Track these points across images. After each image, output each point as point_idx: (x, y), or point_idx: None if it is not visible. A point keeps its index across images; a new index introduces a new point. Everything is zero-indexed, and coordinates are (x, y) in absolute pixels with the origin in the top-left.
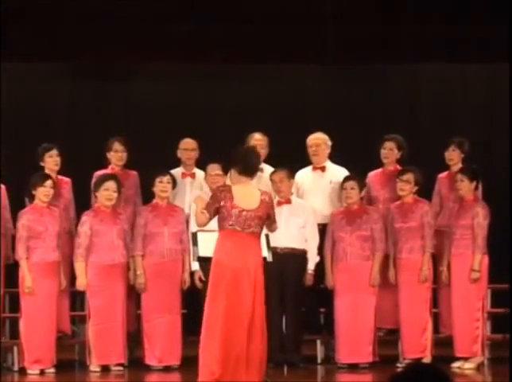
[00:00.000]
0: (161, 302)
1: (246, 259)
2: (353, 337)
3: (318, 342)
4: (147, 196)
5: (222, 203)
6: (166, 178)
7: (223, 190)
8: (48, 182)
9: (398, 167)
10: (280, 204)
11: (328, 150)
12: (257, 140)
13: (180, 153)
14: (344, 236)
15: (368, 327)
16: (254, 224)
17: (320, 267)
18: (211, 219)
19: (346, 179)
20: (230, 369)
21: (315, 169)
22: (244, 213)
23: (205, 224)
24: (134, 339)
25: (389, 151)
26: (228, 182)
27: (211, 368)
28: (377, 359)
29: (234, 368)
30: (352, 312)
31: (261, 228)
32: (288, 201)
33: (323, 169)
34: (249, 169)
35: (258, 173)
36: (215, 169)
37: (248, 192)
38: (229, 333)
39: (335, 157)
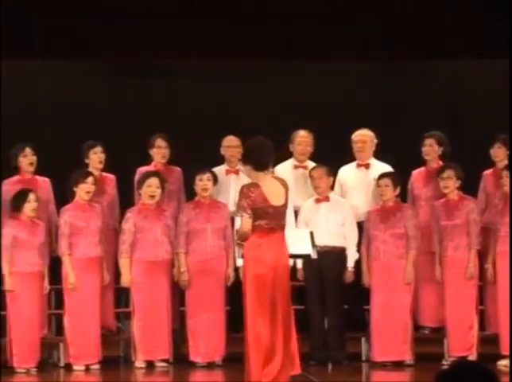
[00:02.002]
0: (205, 299)
1: (279, 255)
2: (387, 335)
3: (362, 340)
4: (191, 193)
5: (256, 204)
6: (206, 176)
7: (254, 190)
8: (90, 179)
9: (441, 164)
10: (318, 201)
11: (373, 148)
12: (302, 137)
13: (223, 151)
14: (378, 234)
15: (403, 325)
16: (283, 216)
17: (360, 264)
18: (250, 218)
19: (380, 176)
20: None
21: (359, 166)
22: (277, 210)
23: (250, 227)
24: (179, 336)
25: (430, 148)
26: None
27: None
28: (413, 358)
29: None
30: (387, 310)
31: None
32: (327, 199)
33: (367, 166)
34: (263, 164)
35: (300, 171)
36: None
37: (275, 188)
38: (270, 332)
39: (379, 155)
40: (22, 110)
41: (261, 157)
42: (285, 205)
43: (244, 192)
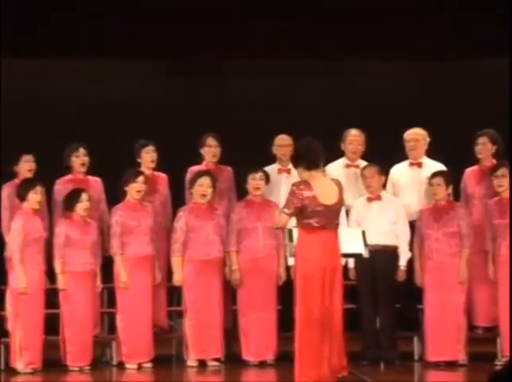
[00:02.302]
0: (257, 298)
1: (333, 254)
2: (441, 334)
3: (415, 339)
4: (242, 193)
5: (306, 202)
6: (259, 175)
7: (304, 188)
8: (140, 178)
9: (495, 162)
10: (370, 200)
11: (426, 146)
12: (354, 136)
13: (275, 150)
14: (431, 233)
15: (456, 325)
16: (336, 215)
17: (412, 263)
18: (291, 218)
19: (433, 175)
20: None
21: (411, 164)
22: (329, 208)
23: (286, 225)
24: (231, 334)
25: (483, 146)
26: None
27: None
28: (466, 358)
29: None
30: (440, 310)
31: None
32: (379, 198)
33: (419, 165)
34: (314, 163)
35: (352, 169)
36: None
37: (327, 186)
38: (320, 331)
39: (431, 154)
40: (74, 109)
41: (310, 157)
42: (338, 204)
43: (292, 189)
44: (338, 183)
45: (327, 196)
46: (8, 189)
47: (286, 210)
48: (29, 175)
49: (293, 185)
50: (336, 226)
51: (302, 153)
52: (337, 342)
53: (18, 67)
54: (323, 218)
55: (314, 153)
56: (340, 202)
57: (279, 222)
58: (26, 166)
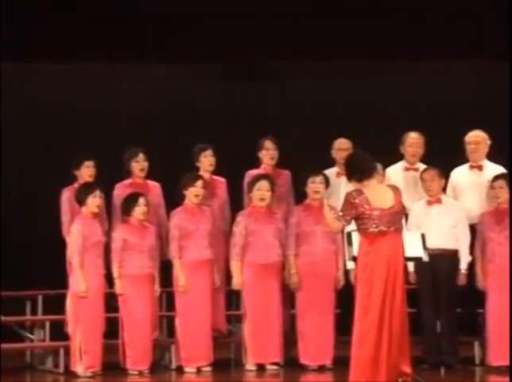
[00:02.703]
0: (315, 302)
1: (395, 258)
2: (504, 339)
3: (476, 344)
4: (300, 196)
5: (360, 209)
6: (319, 178)
7: (356, 196)
8: (199, 182)
9: None
10: (430, 203)
11: (487, 149)
12: (414, 139)
13: (334, 153)
14: (493, 236)
15: None
16: (396, 220)
17: (473, 267)
18: (347, 225)
19: (495, 178)
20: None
21: (472, 167)
22: (385, 212)
23: (340, 230)
24: (289, 338)
25: None
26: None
27: (362, 369)
28: None
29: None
30: (503, 314)
31: (402, 223)
32: (439, 201)
33: (480, 167)
34: (364, 175)
35: (411, 173)
36: None
37: (380, 192)
38: (379, 336)
39: (492, 156)
40: (136, 113)
41: (360, 170)
42: (395, 207)
43: (347, 199)
44: (394, 188)
45: (382, 200)
46: (68, 193)
47: (342, 217)
48: (90, 180)
49: (347, 194)
50: (398, 229)
51: (351, 168)
52: (399, 347)
53: (81, 70)
54: (380, 222)
55: (363, 166)
56: (398, 205)
57: (333, 227)
58: (87, 172)
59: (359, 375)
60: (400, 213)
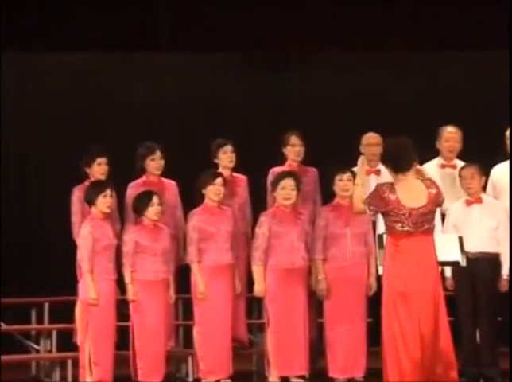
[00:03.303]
0: (345, 310)
1: (424, 263)
2: None
3: None
4: (327, 196)
5: (388, 205)
6: (347, 176)
7: (386, 190)
8: (218, 180)
9: None
10: (469, 203)
11: None
12: (451, 133)
13: (363, 149)
14: None
15: None
16: (426, 220)
17: None
18: (369, 214)
19: None
20: None
21: None
22: (414, 212)
23: (361, 213)
24: (316, 349)
25: None
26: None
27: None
28: None
29: None
30: None
31: (434, 223)
32: (479, 200)
33: None
34: (401, 166)
35: (448, 170)
36: None
37: (412, 188)
38: (407, 346)
39: None
40: (148, 107)
41: (399, 160)
42: (428, 206)
43: (376, 190)
44: (429, 184)
45: (413, 199)
46: (78, 192)
47: (367, 204)
48: (102, 178)
49: (378, 185)
50: (428, 230)
51: (391, 154)
52: (447, 365)
53: (89, 60)
54: (407, 222)
55: (402, 156)
56: (431, 204)
57: (356, 208)
58: (100, 169)
59: None
60: (432, 213)
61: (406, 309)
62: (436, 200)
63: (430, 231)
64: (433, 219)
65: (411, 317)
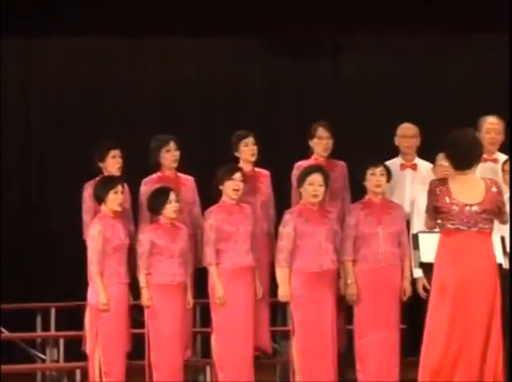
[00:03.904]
0: (377, 316)
1: (474, 263)
2: None
3: None
4: (358, 192)
5: (440, 201)
6: (379, 170)
7: (439, 184)
8: (237, 175)
9: None
10: None
11: None
12: (492, 124)
13: (398, 141)
14: None
15: None
16: (481, 219)
17: None
18: (435, 220)
19: None
20: None
21: None
22: (467, 209)
23: (433, 227)
24: (345, 359)
25: None
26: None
27: None
28: None
29: None
30: None
31: (492, 225)
32: None
33: None
34: (462, 164)
35: (489, 164)
36: None
37: (469, 184)
38: (456, 355)
39: None
40: (164, 96)
41: (465, 156)
42: (484, 204)
43: (430, 188)
44: (489, 183)
45: (468, 195)
46: (90, 188)
47: (426, 213)
48: (117, 172)
49: (431, 182)
50: (483, 231)
51: (455, 147)
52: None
53: (100, 45)
54: (458, 220)
55: (468, 152)
56: (488, 203)
57: (425, 224)
58: (114, 163)
59: None
60: (489, 213)
61: (450, 312)
62: (496, 200)
63: (487, 232)
64: (491, 220)
65: (455, 321)
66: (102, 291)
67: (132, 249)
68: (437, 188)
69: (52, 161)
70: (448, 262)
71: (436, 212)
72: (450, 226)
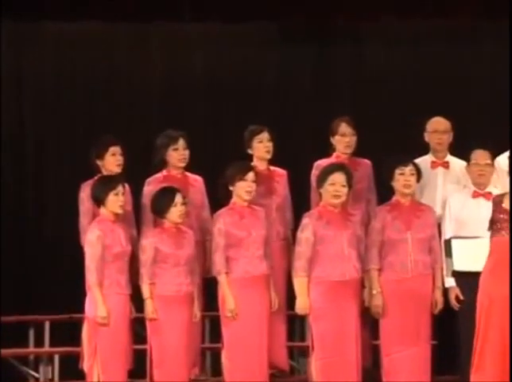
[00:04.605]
0: (405, 330)
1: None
2: None
3: None
4: (384, 193)
5: (493, 208)
6: (408, 169)
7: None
8: (250, 175)
9: None
10: None
11: None
12: None
13: (428, 137)
14: None
15: None
16: None
17: None
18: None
19: None
20: None
21: None
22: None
23: None
24: (371, 377)
25: None
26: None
27: None
28: None
29: None
30: None
31: None
32: None
33: None
34: None
35: None
36: (482, 156)
37: None
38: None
39: None
40: (168, 87)
41: None
42: None
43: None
44: None
45: None
46: (88, 189)
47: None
48: (117, 171)
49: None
50: None
51: None
52: None
53: (97, 31)
54: (504, 225)
55: None
56: None
57: None
58: (114, 160)
59: None
60: None
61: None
62: None
63: None
64: None
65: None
66: (102, 303)
67: (134, 256)
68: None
69: (47, 160)
70: (490, 272)
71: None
72: (497, 234)
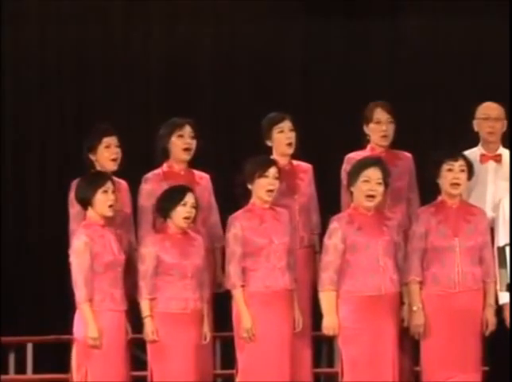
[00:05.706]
0: (451, 354)
1: None
2: None
3: None
4: (427, 192)
5: None
6: (458, 164)
7: None
8: (272, 170)
9: None
10: None
11: None
12: None
13: (477, 125)
14: None
15: None
16: None
17: None
18: None
19: None
20: None
21: None
22: None
23: None
24: None
25: None
26: None
27: None
28: None
29: None
30: None
31: None
32: None
33: None
34: None
35: None
36: None
37: None
38: None
39: None
40: (174, 68)
41: None
42: None
43: None
44: None
45: None
46: None
47: None
48: (113, 167)
49: None
50: None
51: None
52: None
53: (95, 6)
54: None
55: None
56: None
57: None
58: (109, 153)
59: None
60: None
61: None
62: None
63: None
64: None
65: None
66: (92, 322)
67: (132, 266)
68: None
69: (30, 154)
70: None
71: None
72: None
